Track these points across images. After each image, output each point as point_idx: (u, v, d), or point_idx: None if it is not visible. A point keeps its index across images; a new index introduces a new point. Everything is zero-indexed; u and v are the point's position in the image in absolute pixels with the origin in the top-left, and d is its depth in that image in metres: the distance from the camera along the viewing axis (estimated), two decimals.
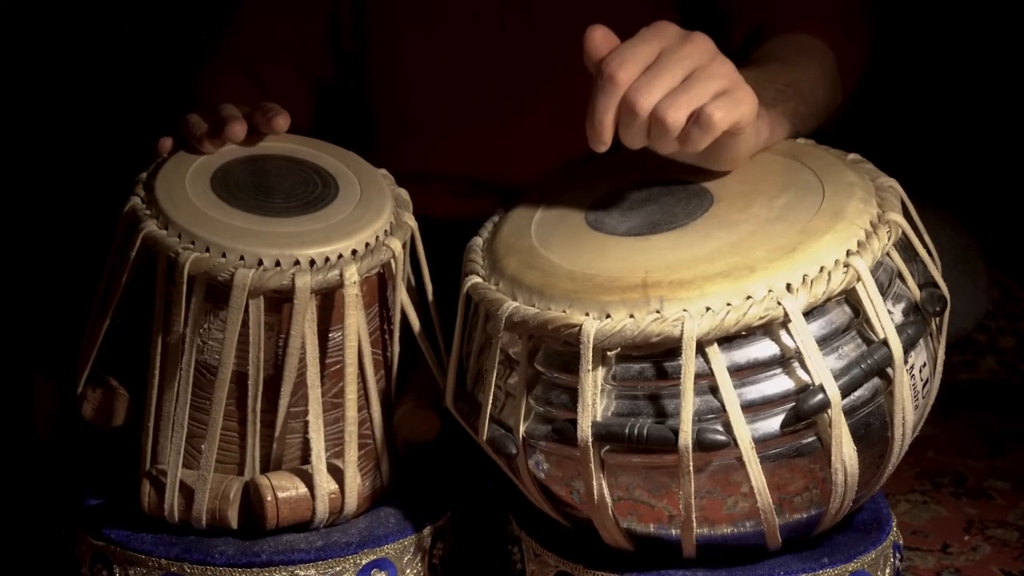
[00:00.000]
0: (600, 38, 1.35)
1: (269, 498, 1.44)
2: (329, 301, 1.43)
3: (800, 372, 1.32)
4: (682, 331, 1.29)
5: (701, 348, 1.30)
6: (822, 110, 1.56)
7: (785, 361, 1.32)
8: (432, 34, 1.76)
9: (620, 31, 1.37)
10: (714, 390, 1.31)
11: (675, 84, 1.34)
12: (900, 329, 1.34)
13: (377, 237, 1.44)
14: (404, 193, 1.51)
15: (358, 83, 1.79)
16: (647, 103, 1.33)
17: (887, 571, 1.43)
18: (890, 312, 1.35)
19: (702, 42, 1.36)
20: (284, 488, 1.44)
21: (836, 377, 1.31)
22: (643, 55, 1.34)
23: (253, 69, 1.76)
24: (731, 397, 1.30)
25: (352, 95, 1.80)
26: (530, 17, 1.75)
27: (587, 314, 1.32)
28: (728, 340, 1.31)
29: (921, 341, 1.37)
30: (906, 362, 1.34)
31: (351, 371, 1.44)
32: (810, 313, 1.32)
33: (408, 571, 1.47)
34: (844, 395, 1.31)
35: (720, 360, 1.31)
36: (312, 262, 1.41)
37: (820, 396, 1.30)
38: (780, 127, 1.47)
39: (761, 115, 1.41)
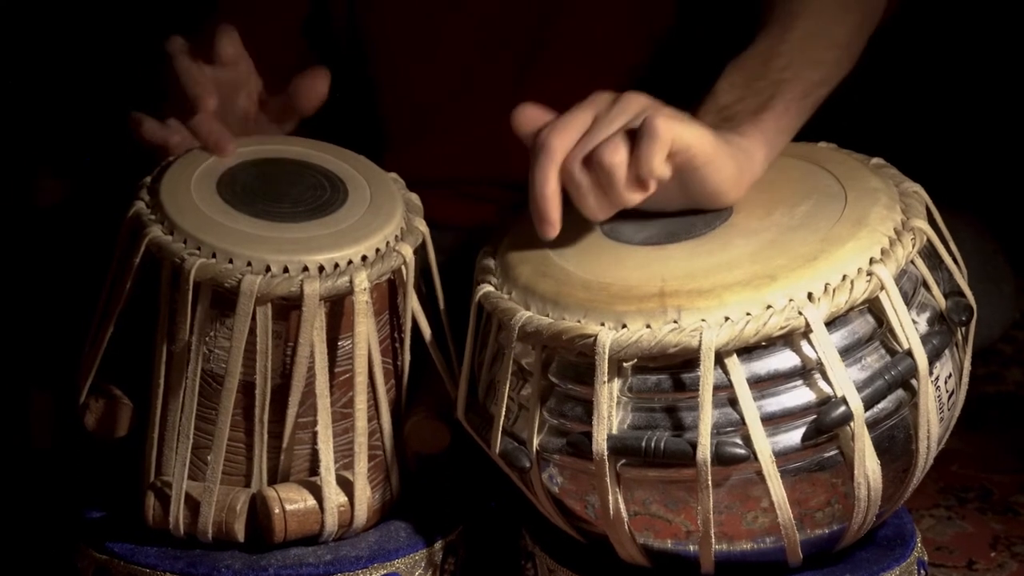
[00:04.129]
0: (529, 115, 1.35)
1: (276, 511, 1.42)
2: (338, 308, 1.41)
3: (822, 384, 1.30)
4: (700, 341, 1.28)
5: (720, 359, 1.28)
6: (848, 52, 1.48)
7: (806, 372, 1.30)
8: (431, 32, 1.75)
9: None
10: (733, 402, 1.29)
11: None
12: (925, 339, 1.32)
13: (387, 243, 1.42)
14: (415, 198, 1.49)
15: (361, 84, 1.78)
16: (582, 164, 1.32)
17: None
18: (914, 322, 1.33)
19: (635, 98, 1.34)
20: (292, 500, 1.43)
21: (859, 389, 1.29)
22: (577, 123, 1.33)
23: None
24: (751, 409, 1.28)
25: (356, 98, 1.79)
26: (534, 15, 1.72)
27: (602, 324, 1.31)
28: (748, 351, 1.29)
29: (946, 352, 1.35)
30: (931, 373, 1.32)
31: (361, 380, 1.42)
32: (832, 323, 1.30)
33: None
34: (867, 407, 1.29)
35: (739, 371, 1.29)
36: (321, 268, 1.39)
37: (842, 408, 1.28)
38: (781, 133, 1.41)
39: (751, 138, 1.37)
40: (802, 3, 1.48)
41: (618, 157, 1.31)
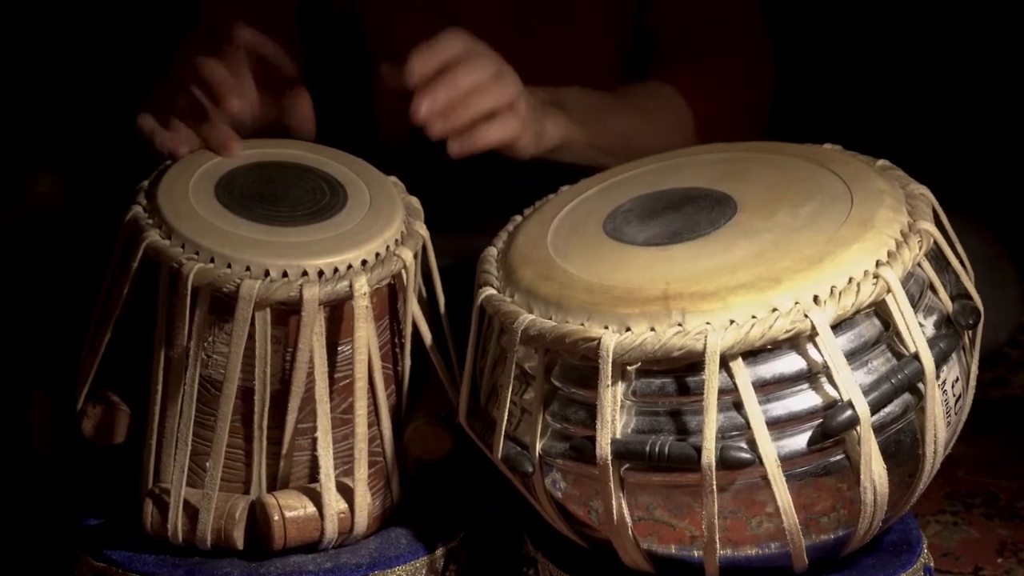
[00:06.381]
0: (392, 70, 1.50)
1: (276, 518, 1.41)
2: (338, 313, 1.40)
3: (828, 387, 1.29)
4: (705, 345, 1.27)
5: (725, 362, 1.27)
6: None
7: (812, 376, 1.29)
8: (430, 14, 1.76)
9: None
10: (738, 406, 1.28)
11: (458, 94, 1.47)
12: (932, 343, 1.31)
13: (387, 247, 1.42)
14: (415, 201, 1.49)
15: (355, 69, 1.79)
16: (427, 109, 1.46)
17: None
18: (921, 325, 1.32)
19: (489, 60, 1.50)
20: (291, 507, 1.42)
21: (865, 392, 1.28)
22: (444, 53, 1.48)
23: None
24: (756, 413, 1.27)
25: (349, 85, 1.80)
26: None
27: (606, 327, 1.30)
28: (753, 354, 1.28)
29: (953, 355, 1.34)
30: (938, 377, 1.31)
31: (361, 386, 1.42)
32: (838, 326, 1.29)
33: None
34: (874, 411, 1.28)
35: (744, 375, 1.28)
36: (320, 273, 1.38)
37: (848, 412, 1.27)
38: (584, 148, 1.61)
39: (557, 123, 1.57)
40: (652, 104, 1.72)
41: (440, 134, 1.47)
